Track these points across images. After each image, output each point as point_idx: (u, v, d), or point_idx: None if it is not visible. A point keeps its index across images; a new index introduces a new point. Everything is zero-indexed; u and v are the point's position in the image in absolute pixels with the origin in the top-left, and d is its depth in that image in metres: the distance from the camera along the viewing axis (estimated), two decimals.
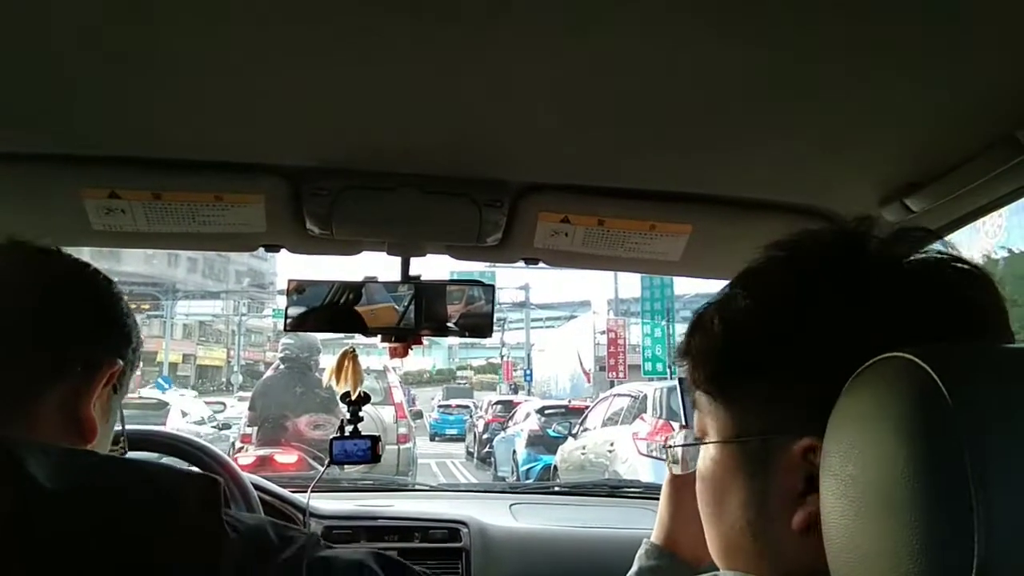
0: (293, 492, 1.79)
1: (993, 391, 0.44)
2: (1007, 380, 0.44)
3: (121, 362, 0.76)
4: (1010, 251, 8.41)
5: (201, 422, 13.10)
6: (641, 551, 0.88)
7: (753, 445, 0.56)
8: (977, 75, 0.84)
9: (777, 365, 0.54)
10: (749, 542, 0.56)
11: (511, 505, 2.15)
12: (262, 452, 5.29)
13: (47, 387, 0.71)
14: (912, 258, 0.55)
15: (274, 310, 31.26)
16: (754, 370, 0.56)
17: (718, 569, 0.61)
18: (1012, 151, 0.90)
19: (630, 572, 0.87)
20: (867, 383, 0.48)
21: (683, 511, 0.85)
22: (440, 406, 24.14)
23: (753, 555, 0.56)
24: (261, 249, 1.38)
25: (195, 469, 0.70)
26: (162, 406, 12.37)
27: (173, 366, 34.27)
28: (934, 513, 0.42)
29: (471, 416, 19.21)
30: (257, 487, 1.63)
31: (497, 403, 17.33)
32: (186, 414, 12.93)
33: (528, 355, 32.05)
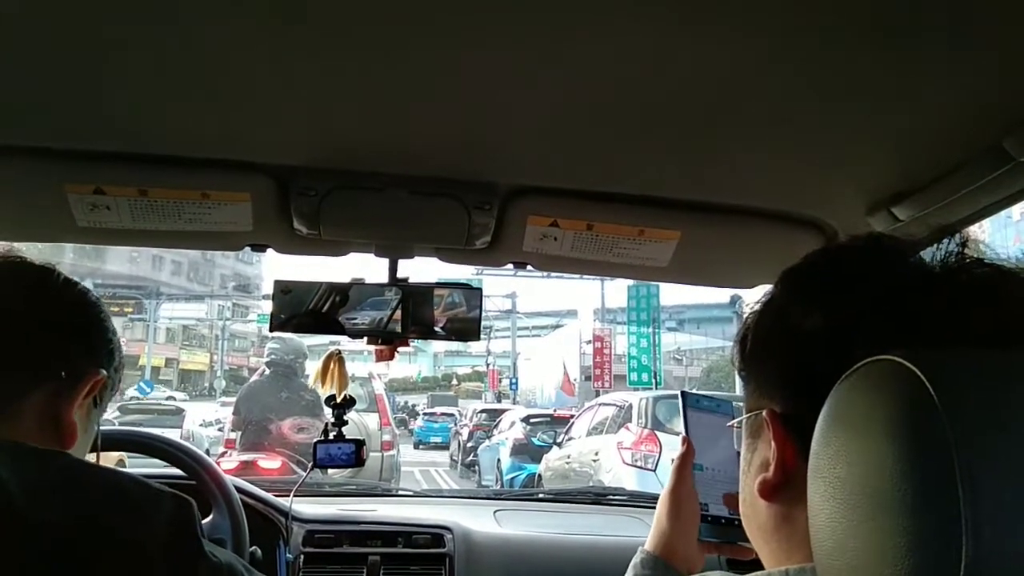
0: (276, 496, 1.78)
1: (981, 393, 0.44)
2: (994, 382, 0.45)
3: (104, 373, 0.81)
4: None
5: (208, 424, 14.00)
6: (636, 559, 0.88)
7: (752, 419, 0.60)
8: (966, 85, 0.85)
9: (775, 352, 0.58)
10: (748, 507, 0.61)
11: (495, 511, 2.14)
12: (245, 457, 5.23)
13: (31, 389, 0.74)
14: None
15: (258, 315, 31.12)
16: (760, 355, 0.60)
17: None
18: (1000, 160, 0.91)
19: None
20: (855, 386, 0.48)
21: (680, 523, 0.87)
22: (425, 414, 24.03)
23: (751, 522, 0.61)
24: (247, 249, 1.37)
25: (166, 489, 0.73)
26: (178, 412, 13.46)
27: (156, 370, 33.95)
28: (922, 513, 0.42)
29: (456, 424, 19.15)
30: (240, 490, 1.61)
31: (482, 411, 17.26)
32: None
33: (514, 363, 31.99)
